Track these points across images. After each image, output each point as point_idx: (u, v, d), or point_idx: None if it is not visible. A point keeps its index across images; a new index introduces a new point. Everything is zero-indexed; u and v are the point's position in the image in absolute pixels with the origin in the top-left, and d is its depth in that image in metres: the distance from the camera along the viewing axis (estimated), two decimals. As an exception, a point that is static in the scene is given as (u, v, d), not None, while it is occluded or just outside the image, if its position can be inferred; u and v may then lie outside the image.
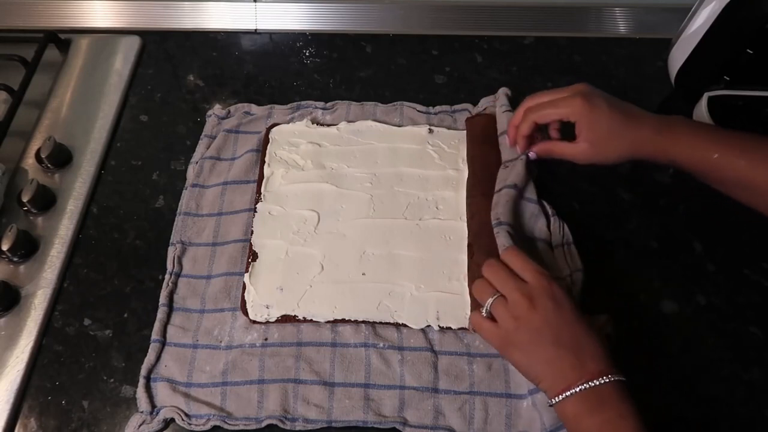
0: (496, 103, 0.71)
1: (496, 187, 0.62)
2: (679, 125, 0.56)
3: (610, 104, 0.56)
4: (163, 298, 0.61)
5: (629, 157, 0.57)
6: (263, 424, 0.54)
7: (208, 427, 0.54)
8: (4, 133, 0.70)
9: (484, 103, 0.73)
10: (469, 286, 0.59)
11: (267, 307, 0.59)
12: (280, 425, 0.54)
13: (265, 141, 0.70)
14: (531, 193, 0.63)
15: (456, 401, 0.55)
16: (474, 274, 0.59)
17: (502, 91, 0.71)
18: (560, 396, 0.48)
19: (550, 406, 0.49)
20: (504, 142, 0.65)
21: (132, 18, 0.85)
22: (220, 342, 0.59)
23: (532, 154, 0.62)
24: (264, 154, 0.69)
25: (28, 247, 0.63)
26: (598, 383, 0.47)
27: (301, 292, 0.60)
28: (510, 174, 0.62)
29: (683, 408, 0.56)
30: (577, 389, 0.47)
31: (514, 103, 0.69)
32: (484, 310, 0.53)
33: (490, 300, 0.52)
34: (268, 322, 0.59)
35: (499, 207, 0.60)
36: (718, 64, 0.68)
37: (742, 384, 0.57)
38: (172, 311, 0.60)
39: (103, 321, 0.61)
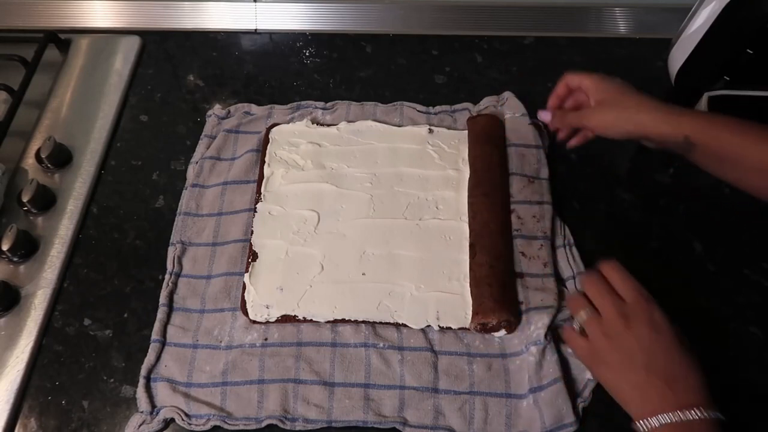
0: (500, 103, 0.72)
1: (535, 198, 0.64)
2: (683, 109, 0.56)
3: (623, 81, 0.58)
4: (163, 298, 0.61)
5: (642, 126, 0.55)
6: (263, 424, 0.54)
7: (208, 427, 0.54)
8: (4, 133, 0.70)
9: (486, 102, 0.73)
10: (470, 285, 0.59)
11: (267, 307, 0.59)
12: (280, 425, 0.54)
13: (265, 141, 0.70)
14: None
15: (456, 401, 0.55)
16: (476, 273, 0.59)
17: (510, 95, 0.71)
18: (646, 420, 0.45)
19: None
20: (525, 153, 0.67)
21: (132, 18, 0.85)
22: (220, 342, 0.59)
23: (545, 115, 0.63)
24: (264, 154, 0.69)
25: (28, 247, 0.63)
26: (688, 417, 0.44)
27: (301, 292, 0.60)
28: (543, 190, 0.65)
29: (683, 408, 0.56)
30: (664, 417, 0.45)
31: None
32: (576, 324, 0.52)
33: (583, 314, 0.51)
34: (268, 322, 0.59)
35: (546, 221, 0.63)
36: (718, 64, 0.68)
37: (742, 384, 0.57)
38: (172, 311, 0.60)
39: (103, 321, 0.61)
